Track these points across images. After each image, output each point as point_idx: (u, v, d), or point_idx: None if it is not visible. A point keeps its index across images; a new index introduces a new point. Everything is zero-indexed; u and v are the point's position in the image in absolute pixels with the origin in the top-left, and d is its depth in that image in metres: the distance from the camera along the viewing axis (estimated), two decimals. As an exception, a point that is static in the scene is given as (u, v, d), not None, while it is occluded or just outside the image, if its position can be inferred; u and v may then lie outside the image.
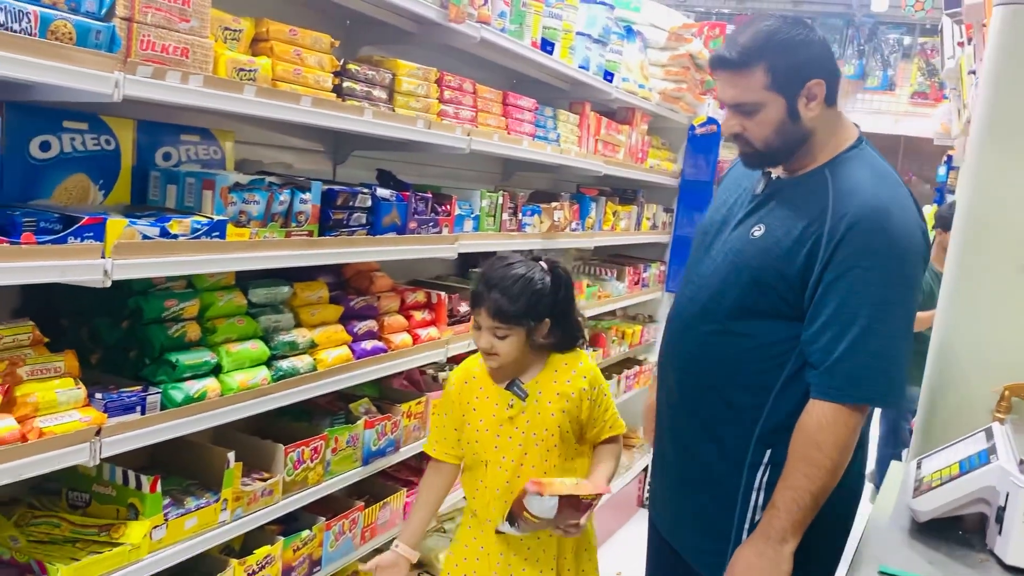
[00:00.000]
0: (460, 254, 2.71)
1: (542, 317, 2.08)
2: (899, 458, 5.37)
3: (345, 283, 2.47)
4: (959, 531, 1.84)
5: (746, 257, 1.92)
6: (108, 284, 1.54)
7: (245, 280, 2.08)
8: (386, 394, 2.74)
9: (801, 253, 1.84)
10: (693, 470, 2.05)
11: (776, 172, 2.00)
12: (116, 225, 1.54)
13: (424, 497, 2.24)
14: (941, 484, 1.83)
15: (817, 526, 1.88)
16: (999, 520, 1.69)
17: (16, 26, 1.35)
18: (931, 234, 5.54)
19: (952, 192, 6.77)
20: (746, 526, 1.97)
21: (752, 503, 1.97)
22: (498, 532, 2.10)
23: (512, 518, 2.02)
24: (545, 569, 2.14)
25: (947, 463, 1.90)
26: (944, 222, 4.74)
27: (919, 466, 2.00)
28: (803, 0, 10.55)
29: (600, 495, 2.04)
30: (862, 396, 1.83)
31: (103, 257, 1.53)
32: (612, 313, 4.69)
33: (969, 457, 1.85)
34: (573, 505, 1.98)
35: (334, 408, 2.52)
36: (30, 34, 1.37)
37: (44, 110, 1.72)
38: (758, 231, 1.93)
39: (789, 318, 1.89)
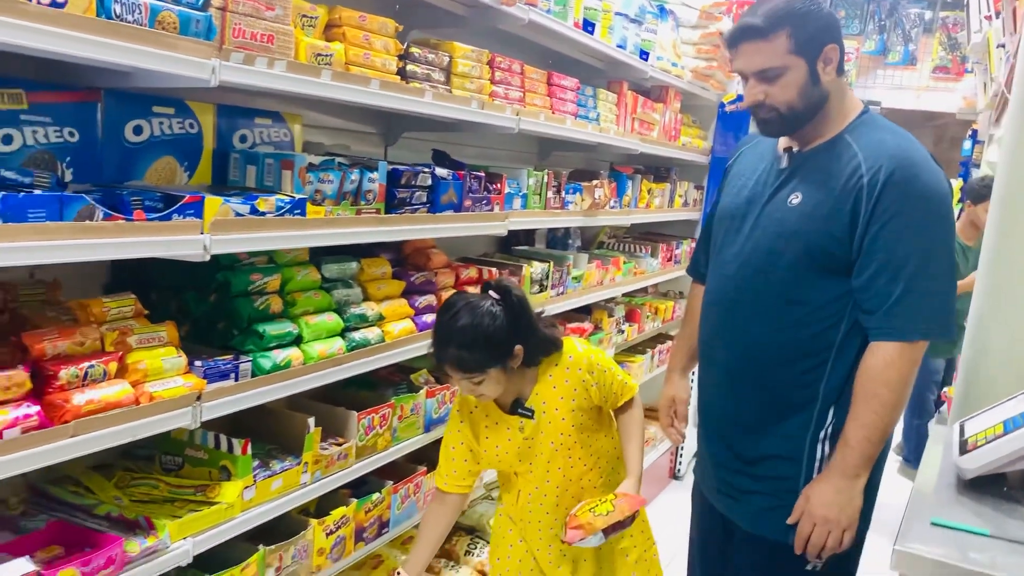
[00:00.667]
0: (513, 231, 2.81)
1: (510, 349, 2.01)
2: (924, 428, 5.44)
3: (404, 259, 2.57)
4: (1004, 487, 1.91)
5: (790, 225, 1.97)
6: (207, 258, 1.65)
7: (315, 256, 2.18)
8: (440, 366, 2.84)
9: (844, 210, 1.91)
10: (758, 442, 2.07)
11: (795, 146, 2.05)
12: (213, 203, 1.65)
13: (428, 532, 2.22)
14: (987, 443, 1.90)
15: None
16: (1045, 474, 1.76)
17: (130, 17, 1.45)
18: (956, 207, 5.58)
19: (977, 166, 6.78)
20: (815, 476, 2.03)
21: (818, 458, 2.03)
22: (562, 540, 2.10)
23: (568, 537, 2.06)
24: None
25: (991, 424, 1.97)
26: (974, 195, 4.78)
27: (962, 429, 2.08)
28: (823, -24, 10.50)
29: (639, 510, 2.09)
30: (922, 332, 1.91)
31: (202, 233, 1.64)
32: (644, 290, 4.79)
33: (1013, 417, 1.92)
34: (617, 526, 2.04)
35: (395, 379, 2.63)
36: (141, 24, 1.47)
37: (136, 96, 1.83)
38: (796, 199, 1.98)
39: (839, 276, 1.95)
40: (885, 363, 1.90)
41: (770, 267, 2.00)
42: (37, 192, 1.38)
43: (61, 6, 1.34)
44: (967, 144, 7.59)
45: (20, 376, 1.42)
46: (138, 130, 1.83)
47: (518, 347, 2.01)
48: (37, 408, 1.42)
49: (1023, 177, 2.34)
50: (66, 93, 1.68)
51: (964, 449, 1.95)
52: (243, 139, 2.10)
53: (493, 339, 1.96)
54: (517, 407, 2.11)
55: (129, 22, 1.45)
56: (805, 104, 1.95)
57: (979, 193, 4.64)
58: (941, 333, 1.95)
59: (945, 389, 4.88)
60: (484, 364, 1.97)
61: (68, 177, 1.68)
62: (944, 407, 4.51)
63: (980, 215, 4.50)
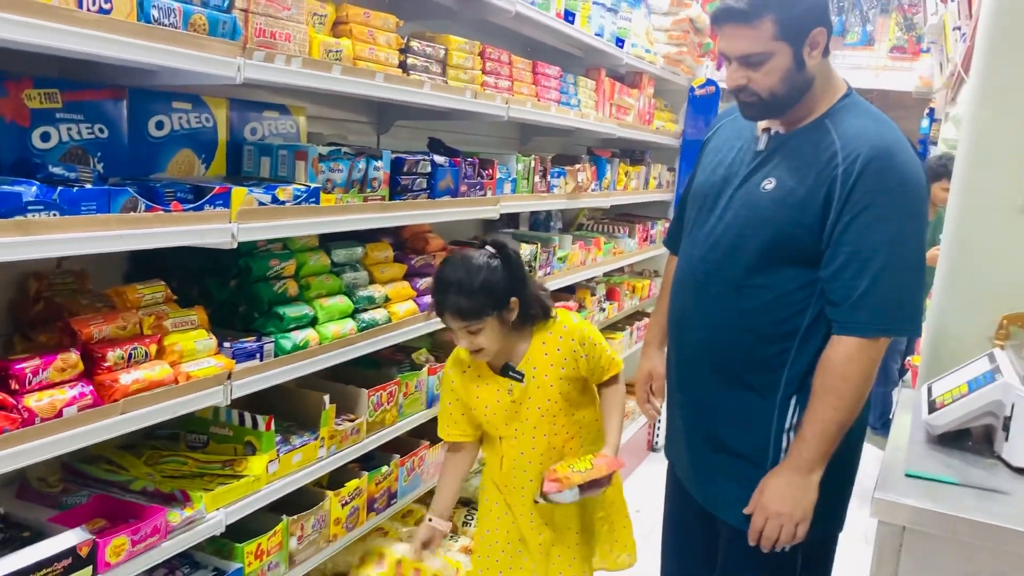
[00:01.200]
0: (501, 215, 2.94)
1: (506, 299, 2.09)
2: (889, 396, 5.67)
3: (403, 243, 2.69)
4: (969, 442, 2.08)
5: (761, 211, 1.94)
6: (235, 245, 1.76)
7: (324, 242, 2.29)
8: (438, 345, 2.97)
9: (818, 199, 1.87)
10: (722, 427, 2.06)
11: (775, 128, 2.01)
12: (239, 193, 1.75)
13: (446, 480, 2.34)
14: (953, 401, 2.07)
15: (834, 458, 1.97)
16: (1006, 428, 1.92)
17: (166, 20, 1.55)
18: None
19: (935, 143, 7.02)
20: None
21: (784, 446, 2.00)
22: (536, 502, 2.19)
23: (543, 496, 2.13)
24: (572, 530, 2.31)
25: (956, 384, 2.14)
26: (931, 172, 4.99)
27: (930, 390, 2.25)
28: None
29: (616, 471, 2.17)
30: (885, 328, 1.89)
31: (230, 222, 1.74)
32: (622, 269, 4.94)
33: (976, 377, 2.09)
34: (594, 484, 2.11)
35: (397, 358, 2.75)
36: (176, 27, 1.57)
37: (157, 93, 1.92)
38: (769, 184, 1.94)
39: (807, 265, 1.92)
40: (845, 358, 1.88)
41: (739, 251, 1.97)
42: (87, 186, 1.48)
43: (107, 12, 1.44)
44: (924, 122, 7.83)
45: (73, 358, 1.53)
46: (160, 125, 1.93)
47: (514, 299, 2.10)
48: (91, 388, 1.53)
49: (980, 153, 2.50)
50: (96, 91, 1.77)
51: (932, 408, 2.11)
52: (253, 131, 2.20)
53: (490, 287, 2.04)
54: (508, 370, 2.18)
55: (165, 25, 1.55)
56: (788, 90, 1.90)
57: (936, 171, 4.83)
58: (905, 329, 1.95)
59: (909, 358, 5.11)
60: (482, 311, 2.04)
61: (100, 171, 1.77)
62: (908, 375, 4.73)
63: (937, 193, 4.69)
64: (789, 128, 1.99)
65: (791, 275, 1.94)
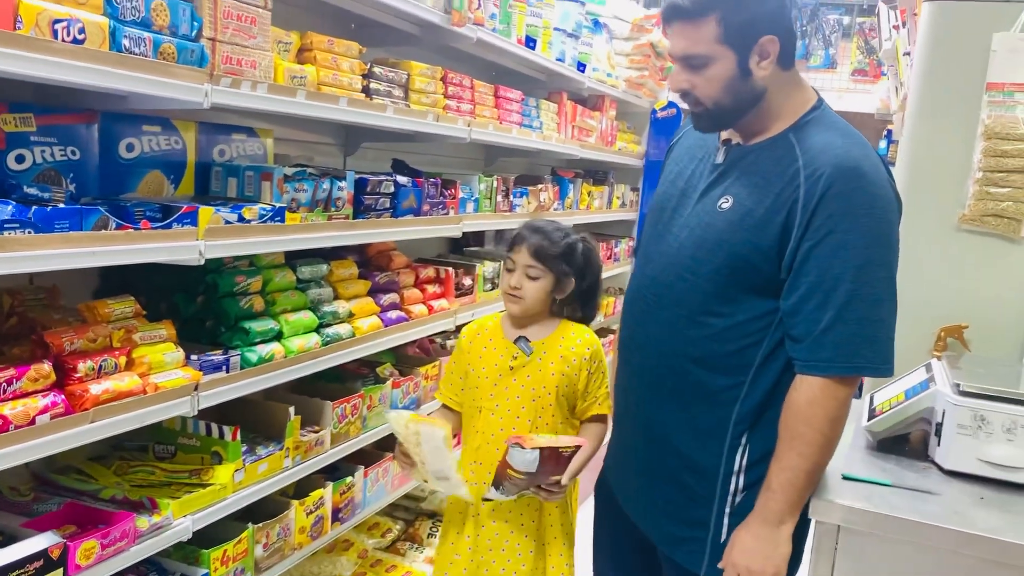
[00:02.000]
0: (464, 233, 3.04)
1: (571, 272, 2.19)
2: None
3: (368, 261, 2.78)
4: (906, 447, 2.20)
5: (716, 231, 1.81)
6: (202, 262, 1.84)
7: (290, 259, 2.38)
8: (402, 360, 3.06)
9: (776, 222, 1.73)
10: (667, 458, 1.93)
11: (735, 139, 1.88)
12: (206, 212, 1.84)
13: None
14: (891, 408, 2.19)
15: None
16: (938, 433, 2.04)
17: (136, 49, 1.64)
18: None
19: (893, 164, 7.23)
20: (727, 510, 1.89)
21: (732, 487, 1.88)
22: (485, 500, 2.15)
23: (497, 481, 2.04)
24: (527, 524, 2.25)
25: (895, 393, 2.27)
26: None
27: (872, 399, 2.37)
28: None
29: (579, 447, 2.09)
30: (852, 367, 1.73)
31: (197, 240, 1.83)
32: (587, 286, 5.04)
33: (913, 386, 2.21)
34: (554, 458, 2.02)
35: (361, 372, 2.83)
36: (146, 56, 1.66)
37: (128, 116, 2.00)
38: (726, 203, 1.81)
39: (764, 293, 1.79)
40: (808, 400, 1.73)
41: (691, 274, 1.84)
42: (60, 206, 1.56)
43: (81, 42, 1.52)
44: (883, 143, 8.06)
45: (46, 369, 1.60)
46: (130, 147, 2.01)
47: (573, 280, 2.21)
48: (62, 397, 1.60)
49: (918, 175, 2.65)
50: (68, 116, 1.85)
51: (872, 415, 2.23)
52: (221, 153, 2.29)
53: (570, 249, 2.20)
54: (520, 339, 2.22)
55: (136, 54, 1.64)
56: (733, 101, 1.77)
57: None
58: (873, 368, 1.77)
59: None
60: (554, 259, 2.16)
61: (72, 191, 1.85)
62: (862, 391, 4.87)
63: None
64: (750, 140, 1.84)
65: (745, 303, 1.81)
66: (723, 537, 1.89)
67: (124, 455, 2.17)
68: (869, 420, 2.22)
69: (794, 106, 1.82)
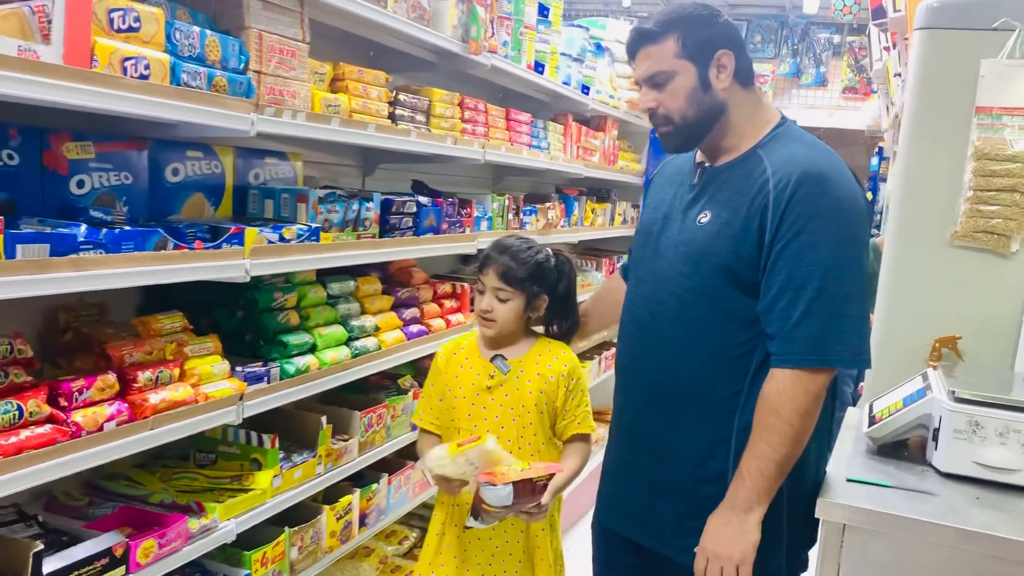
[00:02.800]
0: (478, 249, 3.17)
1: (542, 291, 2.19)
2: (839, 420, 5.93)
3: (390, 277, 2.91)
4: (905, 452, 2.32)
5: (699, 246, 1.91)
6: (247, 279, 1.97)
7: (320, 276, 2.50)
8: (419, 372, 3.18)
9: (752, 229, 1.84)
10: (674, 470, 1.99)
11: (707, 162, 2.00)
12: (251, 233, 1.97)
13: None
14: (890, 415, 2.32)
15: (795, 499, 1.96)
16: (935, 438, 2.17)
17: (193, 83, 1.77)
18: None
19: (884, 180, 7.40)
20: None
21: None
22: (466, 528, 2.14)
23: (476, 512, 2.02)
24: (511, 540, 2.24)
25: (893, 400, 2.39)
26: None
27: (871, 407, 2.50)
28: (738, 3, 11.19)
29: (553, 475, 2.06)
30: (820, 360, 1.81)
31: (244, 259, 1.95)
32: (590, 301, 5.18)
33: (911, 394, 2.34)
34: (528, 489, 2.00)
35: (383, 384, 2.95)
36: (201, 88, 1.79)
37: (173, 143, 2.13)
38: (704, 218, 1.91)
39: (751, 301, 1.88)
40: (778, 391, 1.82)
41: (683, 289, 1.94)
42: (126, 228, 1.69)
43: (146, 78, 1.66)
44: (874, 160, 8.24)
45: (111, 379, 1.72)
46: (175, 172, 2.14)
47: (545, 298, 2.21)
48: (126, 405, 1.72)
49: (912, 192, 2.78)
50: (122, 143, 1.98)
51: (872, 422, 2.36)
52: (256, 176, 2.42)
53: (540, 268, 2.18)
54: (497, 357, 2.22)
55: (193, 87, 1.77)
56: (697, 112, 1.89)
57: None
58: (843, 360, 1.85)
59: (862, 383, 5.39)
60: (522, 281, 2.15)
61: (125, 214, 1.98)
62: (861, 399, 4.99)
63: (889, 222, 5.00)
64: (720, 161, 1.97)
65: (734, 313, 1.90)
66: None
67: (166, 463, 2.28)
68: (870, 426, 2.35)
69: (758, 124, 1.95)
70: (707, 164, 2.00)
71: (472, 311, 3.19)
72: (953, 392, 2.14)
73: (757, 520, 1.84)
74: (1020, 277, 2.65)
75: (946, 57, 2.73)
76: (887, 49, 5.77)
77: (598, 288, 2.54)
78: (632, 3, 10.62)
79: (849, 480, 2.08)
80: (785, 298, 1.81)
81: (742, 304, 1.89)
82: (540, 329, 2.36)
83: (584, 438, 2.26)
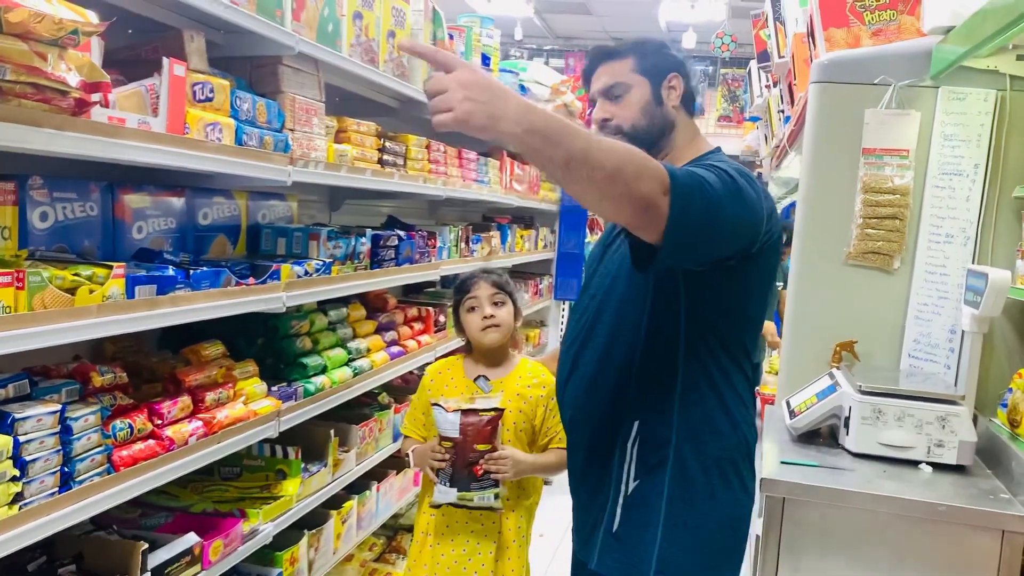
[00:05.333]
0: (441, 276, 3.51)
1: (516, 302, 2.50)
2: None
3: (368, 304, 3.20)
4: (819, 439, 2.79)
5: (614, 270, 2.00)
6: (283, 309, 2.25)
7: (319, 305, 2.79)
8: (390, 390, 3.48)
9: None
10: (589, 467, 2.05)
11: None
12: (286, 268, 2.26)
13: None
14: (807, 408, 2.78)
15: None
16: (846, 425, 2.63)
17: (250, 142, 2.06)
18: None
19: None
20: (620, 500, 1.99)
21: (625, 475, 1.98)
22: (432, 505, 2.35)
23: (447, 476, 2.26)
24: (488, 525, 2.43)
25: (808, 396, 2.86)
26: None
27: (788, 403, 2.95)
28: (621, 37, 11.93)
29: (499, 410, 2.27)
30: (670, 175, 1.56)
31: (281, 292, 2.24)
32: (514, 320, 5.58)
33: (822, 390, 2.80)
34: (474, 421, 2.24)
35: (365, 401, 3.24)
36: (255, 147, 2.08)
37: (203, 190, 2.39)
38: (622, 242, 1.99)
39: (670, 319, 1.92)
40: (644, 155, 1.56)
41: (603, 306, 2.01)
42: (204, 268, 1.96)
43: (220, 140, 1.94)
44: (754, 184, 8.99)
45: (187, 400, 1.98)
46: (205, 216, 2.40)
47: (519, 311, 2.56)
48: (201, 422, 1.98)
49: (813, 219, 3.29)
50: (170, 192, 2.24)
51: (792, 415, 2.82)
52: (263, 216, 2.69)
53: (512, 285, 2.56)
54: (479, 377, 2.44)
55: (251, 146, 2.06)
56: (648, 123, 1.98)
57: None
58: (679, 190, 1.56)
59: (757, 387, 5.95)
60: (509, 290, 2.48)
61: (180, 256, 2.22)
62: (758, 402, 5.53)
63: (793, 244, 5.60)
64: None
65: (653, 337, 1.92)
66: (614, 527, 1.97)
67: (191, 478, 2.51)
68: (791, 419, 2.81)
69: (694, 150, 2.04)
70: None
71: (435, 332, 3.53)
72: (860, 386, 2.61)
73: (513, 116, 1.45)
74: (902, 290, 3.17)
75: (837, 106, 3.24)
76: (768, 87, 6.43)
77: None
78: (523, 36, 11.19)
79: (783, 463, 2.51)
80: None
81: (659, 325, 1.92)
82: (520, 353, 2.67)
83: (562, 451, 2.34)
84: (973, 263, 2.96)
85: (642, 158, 1.54)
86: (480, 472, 2.29)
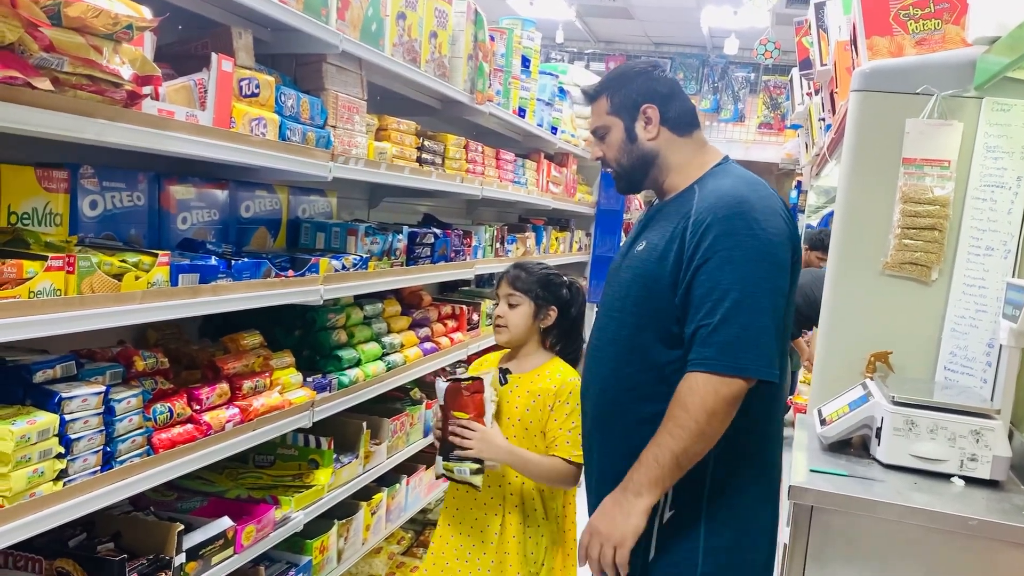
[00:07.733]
0: (476, 275, 3.55)
1: (550, 301, 2.38)
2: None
3: (403, 300, 3.25)
4: (850, 448, 2.78)
5: (633, 271, 2.02)
6: (321, 302, 2.30)
7: (356, 300, 2.83)
8: (422, 387, 3.52)
9: (673, 249, 1.92)
10: (608, 489, 2.00)
11: (657, 199, 2.15)
12: (324, 262, 2.30)
13: None
14: (839, 418, 2.77)
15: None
16: (877, 436, 2.62)
17: (294, 137, 2.11)
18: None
19: (803, 211, 8.07)
20: (655, 528, 1.99)
21: (661, 504, 1.98)
22: (438, 476, 2.36)
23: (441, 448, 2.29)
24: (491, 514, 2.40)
25: (840, 406, 2.84)
26: (811, 241, 5.90)
27: (820, 411, 2.94)
28: (663, 43, 11.90)
29: (476, 379, 2.29)
30: (733, 365, 1.83)
31: (320, 285, 2.28)
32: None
33: (855, 400, 2.79)
34: (455, 390, 2.28)
35: (397, 395, 3.29)
36: (298, 143, 2.13)
37: (246, 183, 2.44)
38: (641, 246, 2.03)
39: (674, 325, 1.95)
40: (688, 389, 1.85)
41: (619, 312, 2.04)
42: (245, 259, 2.01)
43: (264, 135, 1.99)
44: (793, 192, 8.93)
45: (224, 387, 2.03)
46: (247, 208, 2.45)
47: (555, 309, 2.42)
48: (238, 409, 2.04)
49: (850, 227, 3.27)
50: (213, 184, 2.29)
51: (824, 424, 2.81)
52: (303, 211, 2.75)
53: (548, 279, 2.43)
54: (502, 369, 2.45)
55: (294, 141, 2.11)
56: (629, 161, 2.05)
57: (814, 242, 5.75)
58: (756, 370, 1.86)
59: (791, 396, 5.92)
60: (528, 290, 2.38)
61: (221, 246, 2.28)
62: (791, 411, 5.51)
63: (812, 259, 5.59)
64: (667, 198, 2.09)
65: (661, 336, 1.96)
66: (651, 554, 2.00)
67: (227, 465, 2.57)
68: (822, 428, 2.80)
69: (699, 165, 2.07)
70: (656, 202, 2.18)
71: (468, 330, 3.57)
72: (893, 397, 2.59)
73: (644, 507, 1.86)
74: (939, 302, 3.14)
75: (878, 115, 3.21)
76: (809, 95, 6.39)
77: None
78: (565, 39, 11.20)
79: (812, 471, 2.50)
80: (704, 309, 1.86)
81: (666, 325, 1.95)
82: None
83: (565, 461, 2.32)
84: (1013, 276, 2.93)
85: (715, 403, 1.83)
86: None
